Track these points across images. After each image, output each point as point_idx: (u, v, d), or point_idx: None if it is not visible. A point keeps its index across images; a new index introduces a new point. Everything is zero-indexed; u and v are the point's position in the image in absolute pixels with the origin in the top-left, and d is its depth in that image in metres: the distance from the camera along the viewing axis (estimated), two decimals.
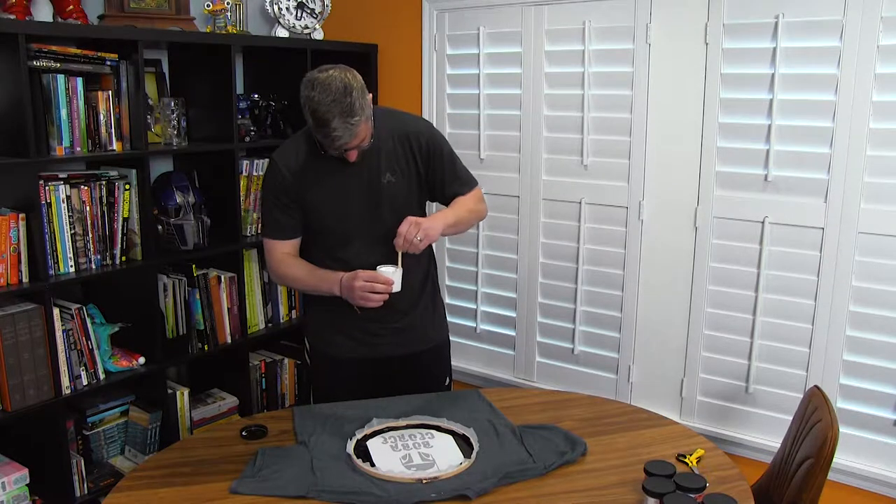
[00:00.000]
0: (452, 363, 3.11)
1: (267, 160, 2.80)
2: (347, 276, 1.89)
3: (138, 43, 2.30)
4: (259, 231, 2.18)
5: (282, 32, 2.91)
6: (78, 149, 2.26)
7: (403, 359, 2.08)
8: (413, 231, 1.85)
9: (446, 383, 2.22)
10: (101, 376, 2.38)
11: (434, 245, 2.08)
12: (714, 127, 2.35)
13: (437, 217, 1.95)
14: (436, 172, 2.03)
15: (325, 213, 1.97)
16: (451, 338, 3.09)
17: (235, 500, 1.58)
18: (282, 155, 1.98)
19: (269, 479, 1.63)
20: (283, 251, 2.01)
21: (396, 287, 1.88)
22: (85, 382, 2.33)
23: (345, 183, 1.95)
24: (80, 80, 2.23)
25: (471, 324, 3.02)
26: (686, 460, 1.74)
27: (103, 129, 2.31)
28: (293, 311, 3.06)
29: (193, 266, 2.65)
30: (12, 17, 2.22)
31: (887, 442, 2.19)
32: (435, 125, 2.96)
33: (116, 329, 2.45)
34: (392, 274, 1.87)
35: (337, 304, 1.96)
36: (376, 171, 1.96)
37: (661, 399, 2.58)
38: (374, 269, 1.89)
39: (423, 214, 2.09)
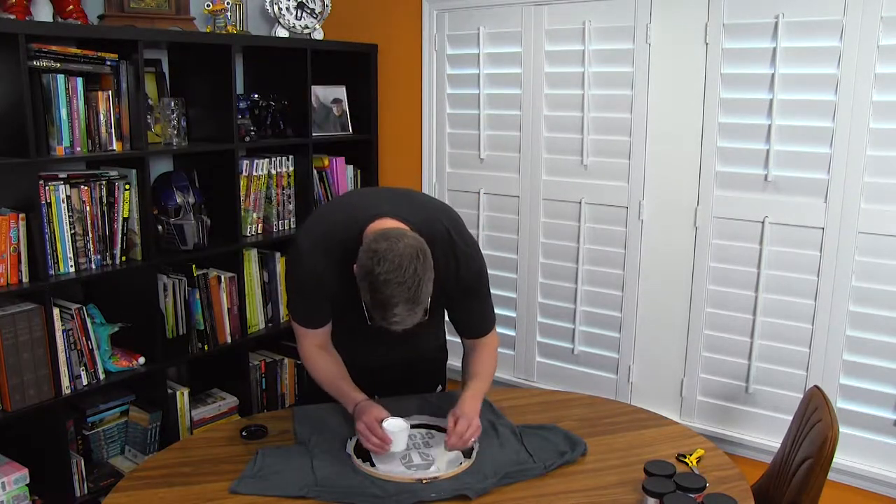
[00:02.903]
0: (453, 363, 3.11)
1: (266, 160, 2.83)
2: (361, 406, 1.77)
3: (138, 43, 2.30)
4: (287, 304, 1.98)
5: (282, 32, 2.91)
6: (78, 149, 2.26)
7: (399, 366, 2.02)
8: (471, 434, 1.72)
9: (437, 390, 2.21)
10: (101, 376, 2.38)
11: None
12: (714, 127, 2.35)
13: (474, 399, 1.80)
14: (464, 306, 1.90)
15: (345, 314, 1.85)
16: (450, 337, 3.10)
17: (235, 500, 1.58)
18: (313, 256, 1.77)
19: (269, 479, 1.63)
20: (311, 342, 1.89)
21: (398, 447, 1.72)
22: (85, 382, 2.33)
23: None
24: (80, 80, 2.23)
25: None
26: (686, 460, 1.74)
27: (103, 129, 2.31)
28: None
29: (193, 266, 2.65)
30: (12, 17, 2.22)
31: (887, 442, 2.19)
32: (435, 125, 2.99)
33: (116, 329, 2.46)
34: (395, 433, 1.71)
35: (337, 323, 1.92)
36: None
37: (661, 399, 2.58)
38: (379, 353, 1.88)
39: (442, 321, 2.03)
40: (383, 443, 1.70)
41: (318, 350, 1.89)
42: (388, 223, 1.69)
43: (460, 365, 2.00)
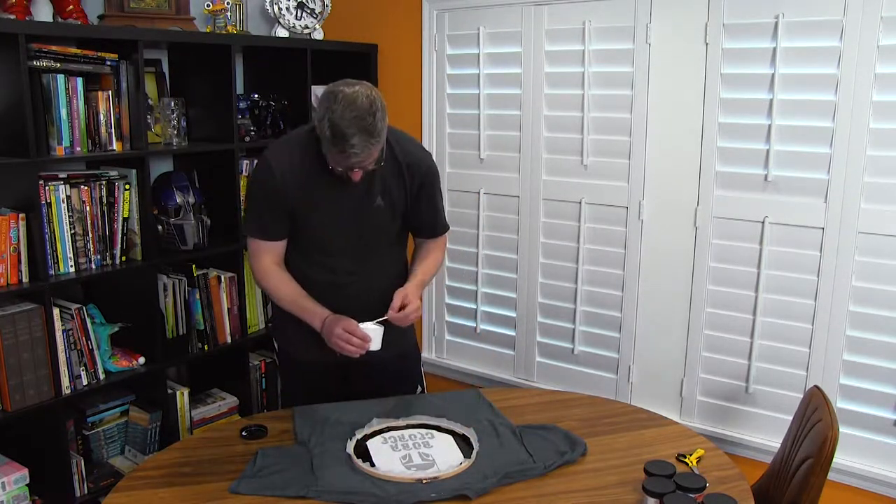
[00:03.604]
0: (453, 363, 3.11)
1: None
2: (331, 318, 1.87)
3: (138, 43, 2.31)
4: (243, 228, 2.14)
5: (282, 32, 2.91)
6: (78, 149, 2.26)
7: (369, 364, 2.01)
8: (410, 310, 1.87)
9: (418, 392, 2.22)
10: (101, 376, 2.38)
11: None
12: (714, 127, 2.35)
13: (419, 286, 1.98)
14: (420, 208, 2.02)
15: (312, 223, 1.94)
16: (451, 337, 3.11)
17: (235, 500, 1.58)
18: (276, 155, 1.91)
19: (269, 479, 1.63)
20: (270, 259, 1.96)
21: (375, 346, 1.86)
22: (85, 382, 2.33)
23: (337, 198, 1.91)
24: (80, 80, 2.23)
25: (471, 324, 3.02)
26: (686, 460, 1.74)
27: (103, 129, 2.31)
28: None
29: (193, 266, 2.65)
30: (12, 17, 2.22)
31: (887, 442, 2.19)
32: (435, 125, 2.99)
33: (116, 329, 2.46)
34: (373, 332, 1.85)
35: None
36: (369, 193, 1.93)
37: (661, 399, 2.58)
38: (355, 291, 1.93)
39: (404, 239, 2.11)
40: (364, 342, 1.83)
41: (275, 267, 1.97)
42: None
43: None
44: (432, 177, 2.02)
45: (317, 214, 1.92)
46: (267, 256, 1.96)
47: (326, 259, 1.98)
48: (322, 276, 1.98)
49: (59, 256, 2.25)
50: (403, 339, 2.14)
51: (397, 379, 2.14)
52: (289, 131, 2.91)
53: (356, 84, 1.75)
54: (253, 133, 2.78)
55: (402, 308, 1.88)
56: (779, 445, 1.94)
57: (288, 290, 1.96)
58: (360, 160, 1.75)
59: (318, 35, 3.02)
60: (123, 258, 2.42)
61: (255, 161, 2.78)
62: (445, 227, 2.13)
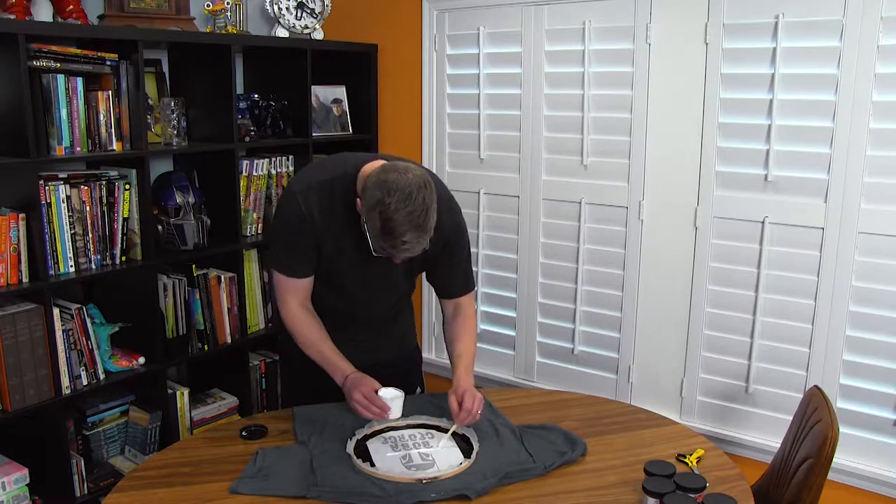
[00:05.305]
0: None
1: (266, 160, 2.84)
2: (352, 378, 1.83)
3: (138, 43, 2.31)
4: (267, 257, 2.03)
5: (282, 32, 2.91)
6: (78, 149, 2.26)
7: (369, 367, 1.97)
8: (477, 406, 1.80)
9: (417, 392, 2.21)
10: (101, 376, 2.38)
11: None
12: (714, 127, 2.35)
13: (471, 376, 1.90)
14: (443, 267, 1.97)
15: (332, 265, 1.89)
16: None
17: (235, 500, 1.58)
18: (307, 197, 1.80)
19: (269, 479, 1.63)
20: (296, 301, 1.90)
21: (395, 414, 1.81)
22: (85, 382, 2.33)
23: (359, 250, 1.83)
24: (80, 80, 2.23)
25: None
26: (686, 460, 1.74)
27: (103, 129, 2.31)
28: None
29: (193, 266, 2.65)
30: (12, 17, 2.22)
31: (887, 442, 2.19)
32: (435, 125, 2.99)
33: (116, 329, 2.46)
34: (391, 400, 1.80)
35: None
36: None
37: (661, 399, 2.58)
38: (369, 306, 1.91)
39: (415, 282, 2.07)
40: (382, 411, 1.79)
41: (303, 311, 1.92)
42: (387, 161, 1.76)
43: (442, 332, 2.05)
44: (457, 235, 1.93)
45: (337, 258, 1.86)
46: (293, 298, 1.90)
47: (335, 291, 1.95)
48: (332, 302, 1.97)
49: (59, 256, 2.25)
50: (404, 342, 2.14)
51: (397, 381, 2.13)
52: (288, 132, 2.93)
53: (408, 170, 1.65)
54: (253, 133, 2.78)
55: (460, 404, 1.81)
56: (779, 445, 1.94)
57: (312, 338, 1.91)
58: (412, 255, 1.70)
59: (318, 35, 3.02)
60: (123, 258, 2.42)
61: (255, 161, 2.80)
62: (471, 286, 2.03)
